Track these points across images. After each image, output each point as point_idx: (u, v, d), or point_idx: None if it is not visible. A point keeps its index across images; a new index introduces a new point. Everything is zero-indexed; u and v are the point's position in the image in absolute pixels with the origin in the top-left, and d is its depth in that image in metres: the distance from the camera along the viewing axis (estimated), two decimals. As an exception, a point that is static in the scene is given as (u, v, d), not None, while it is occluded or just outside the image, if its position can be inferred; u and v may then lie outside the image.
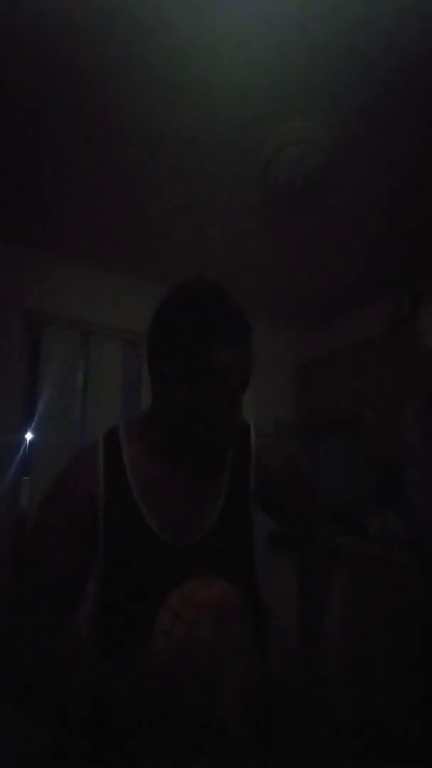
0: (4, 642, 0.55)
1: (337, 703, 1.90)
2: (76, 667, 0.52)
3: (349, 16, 1.09)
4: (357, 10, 1.07)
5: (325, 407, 2.77)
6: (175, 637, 0.47)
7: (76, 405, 2.22)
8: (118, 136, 1.46)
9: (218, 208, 1.84)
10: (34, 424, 2.08)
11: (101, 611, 0.61)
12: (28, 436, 2.09)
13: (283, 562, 2.17)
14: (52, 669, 0.52)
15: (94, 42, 1.14)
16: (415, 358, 2.18)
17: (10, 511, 1.97)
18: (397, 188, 1.73)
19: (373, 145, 1.50)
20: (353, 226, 1.99)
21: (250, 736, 0.47)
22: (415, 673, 1.67)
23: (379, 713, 1.79)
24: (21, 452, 2.03)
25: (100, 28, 1.11)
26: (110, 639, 0.58)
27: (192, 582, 0.51)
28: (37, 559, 0.59)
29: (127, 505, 0.60)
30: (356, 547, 2.03)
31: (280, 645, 0.70)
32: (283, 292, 2.68)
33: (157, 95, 1.31)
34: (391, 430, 2.21)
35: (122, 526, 0.59)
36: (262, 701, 0.48)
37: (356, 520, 2.33)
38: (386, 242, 2.12)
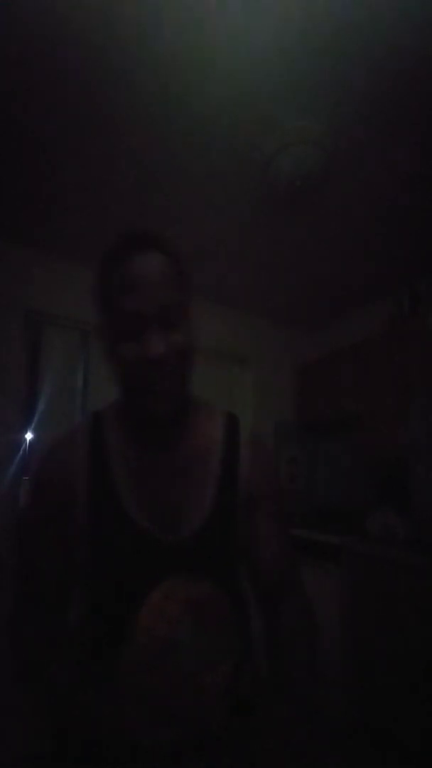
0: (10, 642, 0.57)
1: (337, 704, 1.90)
2: (57, 679, 0.52)
3: (349, 16, 1.09)
4: (357, 10, 1.07)
5: (325, 407, 2.77)
6: (156, 636, 0.46)
7: (76, 405, 2.22)
8: (117, 136, 1.46)
9: (218, 208, 1.84)
10: (34, 424, 2.08)
11: (86, 608, 0.59)
12: (28, 436, 2.09)
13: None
14: (40, 677, 0.53)
15: (95, 44, 1.14)
16: (415, 358, 2.18)
17: (10, 511, 1.97)
18: (397, 188, 1.73)
19: (373, 145, 1.50)
20: (353, 226, 1.99)
21: (234, 738, 0.46)
22: (415, 673, 1.67)
23: (379, 714, 1.79)
24: (21, 452, 2.03)
25: (99, 31, 1.11)
26: (95, 636, 0.57)
27: (175, 579, 0.50)
28: (24, 558, 0.59)
29: (111, 497, 0.58)
30: (356, 547, 2.03)
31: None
32: (283, 292, 2.68)
33: (157, 96, 1.31)
34: (391, 430, 2.22)
35: (106, 519, 0.57)
36: (249, 702, 0.47)
37: (356, 520, 2.34)
38: (386, 242, 2.12)
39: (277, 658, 0.58)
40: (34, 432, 2.09)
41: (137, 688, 0.45)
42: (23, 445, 2.06)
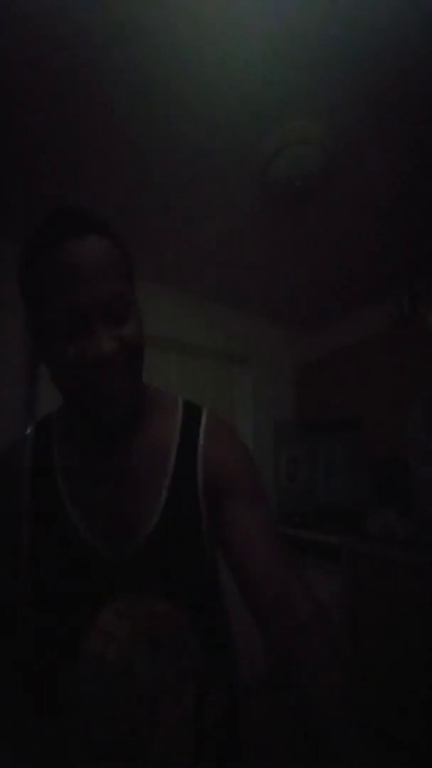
0: None
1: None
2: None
3: (349, 16, 1.09)
4: (357, 10, 1.07)
5: (325, 407, 2.77)
6: (106, 662, 0.40)
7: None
8: (117, 136, 1.46)
9: (218, 208, 1.84)
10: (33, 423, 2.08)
11: (31, 632, 0.54)
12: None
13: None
14: None
15: (95, 44, 1.14)
16: (415, 358, 2.18)
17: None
18: (397, 188, 1.73)
19: (373, 145, 1.50)
20: (353, 227, 1.99)
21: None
22: (416, 673, 1.67)
23: (379, 714, 1.79)
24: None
25: (99, 31, 1.11)
26: (39, 664, 0.52)
27: (125, 597, 0.45)
28: None
29: (56, 512, 0.53)
30: (356, 547, 2.03)
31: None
32: (283, 292, 2.68)
33: (157, 96, 1.31)
34: (391, 430, 2.22)
35: (50, 536, 0.52)
36: (221, 735, 0.38)
37: (356, 520, 2.34)
38: (386, 242, 2.12)
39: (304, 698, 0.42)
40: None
41: (84, 721, 0.39)
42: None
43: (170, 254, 2.23)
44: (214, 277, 2.44)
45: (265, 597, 0.49)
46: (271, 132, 1.44)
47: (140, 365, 0.53)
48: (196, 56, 1.19)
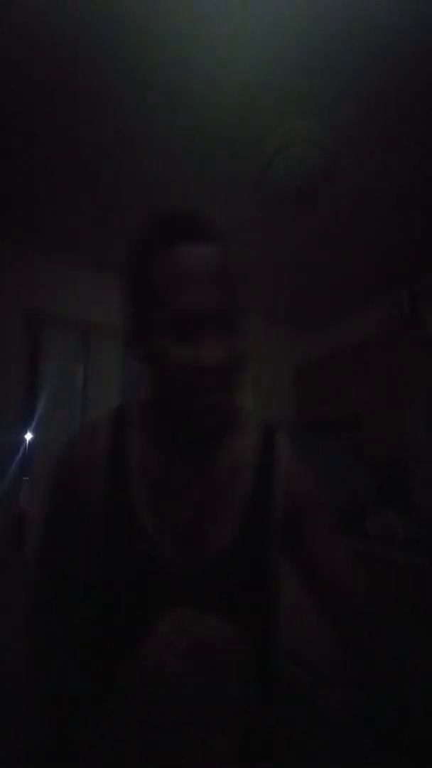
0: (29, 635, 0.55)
1: (336, 704, 1.90)
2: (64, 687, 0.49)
3: (349, 15, 1.09)
4: (357, 10, 1.07)
5: (325, 407, 2.77)
6: (161, 667, 0.40)
7: (76, 405, 2.22)
8: (117, 136, 1.46)
9: (218, 208, 1.84)
10: (34, 424, 2.08)
11: (92, 620, 0.54)
12: (28, 436, 2.09)
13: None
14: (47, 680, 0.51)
15: (95, 43, 1.14)
16: (415, 358, 2.18)
17: (10, 511, 1.97)
18: (397, 188, 1.73)
19: (373, 145, 1.50)
20: (353, 226, 1.99)
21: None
22: (416, 674, 1.67)
23: (379, 714, 1.78)
24: (21, 452, 2.03)
25: (100, 29, 1.11)
26: (97, 652, 0.52)
27: (187, 611, 0.44)
28: (39, 547, 0.56)
29: (127, 509, 0.52)
30: (356, 547, 2.02)
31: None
32: (283, 292, 2.68)
33: (157, 95, 1.31)
34: (391, 430, 2.22)
35: (119, 533, 0.51)
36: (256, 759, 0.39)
37: (356, 520, 2.34)
38: (386, 242, 2.12)
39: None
40: (34, 432, 2.09)
41: (133, 716, 0.40)
42: (23, 445, 2.06)
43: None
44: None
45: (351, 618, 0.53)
46: (271, 132, 1.44)
47: (241, 379, 0.52)
48: (197, 57, 1.19)
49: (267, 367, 3.00)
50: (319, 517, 0.57)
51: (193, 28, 1.12)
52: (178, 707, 0.39)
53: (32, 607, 0.57)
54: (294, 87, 1.29)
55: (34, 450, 2.07)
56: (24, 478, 2.06)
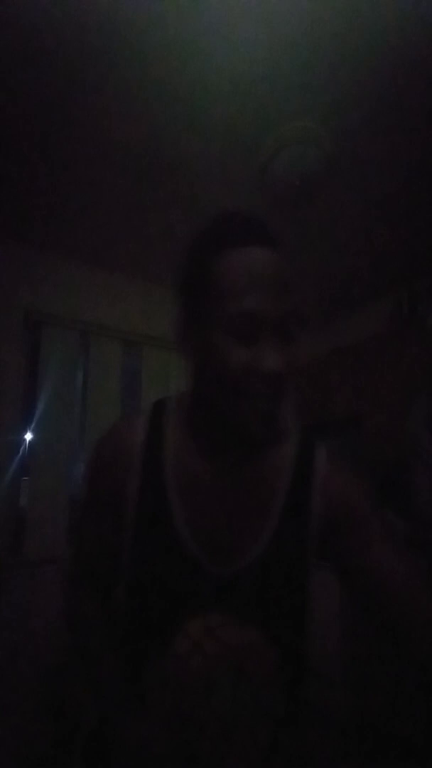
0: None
1: (336, 704, 1.90)
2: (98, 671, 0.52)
3: (349, 15, 1.09)
4: (357, 10, 1.07)
5: (325, 407, 2.77)
6: (191, 669, 0.39)
7: (76, 405, 2.22)
8: (117, 135, 1.46)
9: (218, 207, 1.84)
10: (33, 424, 2.08)
11: (122, 613, 0.54)
12: (28, 436, 2.09)
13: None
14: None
15: (94, 43, 1.14)
16: (415, 358, 2.18)
17: (10, 511, 1.97)
18: (397, 188, 1.72)
19: (373, 145, 1.50)
20: (353, 226, 1.99)
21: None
22: (416, 674, 1.66)
23: (379, 714, 1.78)
24: (21, 452, 2.03)
25: (98, 29, 1.11)
26: (126, 646, 0.52)
27: (218, 615, 0.43)
28: (77, 535, 0.59)
29: (161, 507, 0.51)
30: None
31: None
32: (283, 292, 2.68)
33: (157, 95, 1.31)
34: (391, 430, 2.21)
35: (153, 531, 0.51)
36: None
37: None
38: (386, 242, 2.12)
39: None
40: (34, 432, 2.09)
41: (163, 712, 0.40)
42: (23, 446, 2.06)
43: (170, 254, 2.23)
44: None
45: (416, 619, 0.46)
46: (271, 132, 1.44)
47: (293, 389, 0.52)
48: (196, 56, 1.19)
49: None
50: (363, 527, 0.54)
51: (193, 28, 1.12)
52: (203, 709, 0.39)
53: (70, 584, 0.61)
54: (294, 87, 1.29)
55: (34, 450, 2.07)
56: (24, 478, 2.06)
